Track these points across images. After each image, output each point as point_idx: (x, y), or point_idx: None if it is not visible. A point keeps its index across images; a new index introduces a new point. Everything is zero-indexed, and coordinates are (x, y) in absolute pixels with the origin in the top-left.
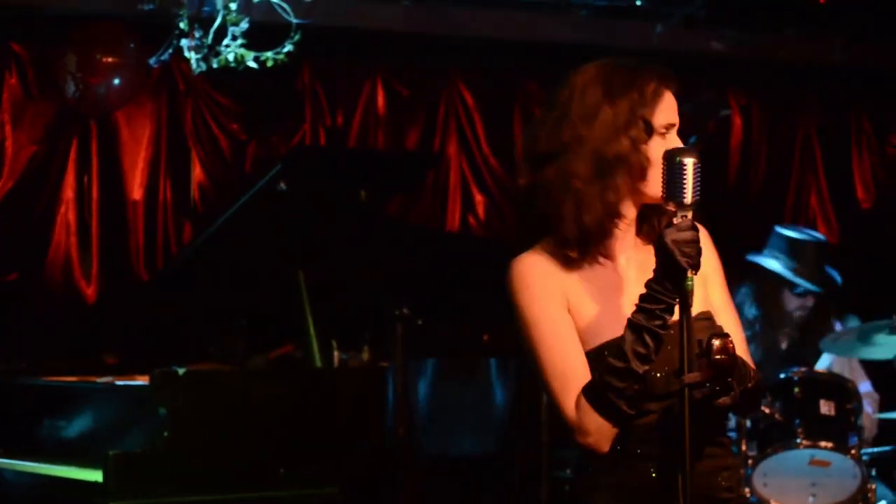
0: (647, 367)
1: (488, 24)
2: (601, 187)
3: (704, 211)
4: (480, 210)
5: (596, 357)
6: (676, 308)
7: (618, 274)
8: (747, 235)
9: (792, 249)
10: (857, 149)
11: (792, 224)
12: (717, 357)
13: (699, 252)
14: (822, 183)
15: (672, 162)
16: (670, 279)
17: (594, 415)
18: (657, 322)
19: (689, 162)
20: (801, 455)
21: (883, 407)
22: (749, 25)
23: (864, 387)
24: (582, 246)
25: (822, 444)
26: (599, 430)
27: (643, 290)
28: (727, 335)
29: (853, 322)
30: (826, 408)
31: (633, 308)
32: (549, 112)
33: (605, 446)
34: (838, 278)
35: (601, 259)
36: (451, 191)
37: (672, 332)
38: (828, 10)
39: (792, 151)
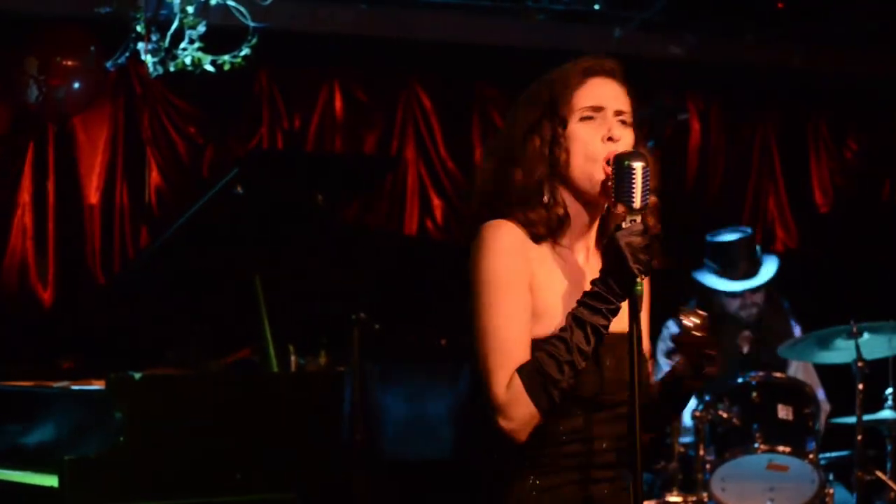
0: (584, 364)
1: (446, 27)
2: (518, 171)
3: (662, 215)
4: (438, 214)
5: (540, 345)
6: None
7: (578, 269)
8: (705, 240)
9: (716, 254)
10: (815, 153)
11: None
12: (695, 334)
13: (652, 258)
14: (780, 187)
15: (620, 166)
16: (618, 281)
17: (524, 400)
18: (600, 320)
19: (638, 166)
20: (758, 459)
21: (839, 412)
22: (708, 30)
23: (818, 395)
24: (545, 229)
25: (780, 448)
26: (523, 418)
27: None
28: (699, 312)
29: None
30: (784, 412)
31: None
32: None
33: (524, 436)
34: (773, 265)
35: (564, 251)
36: (409, 195)
37: (608, 341)
38: (786, 16)
39: (750, 156)
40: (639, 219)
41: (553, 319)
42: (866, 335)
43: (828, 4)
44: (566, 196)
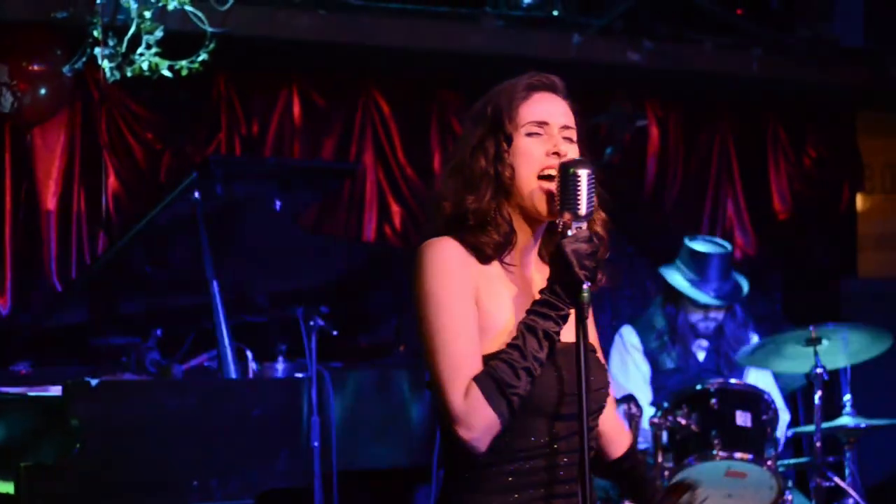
0: (540, 371)
1: (404, 33)
2: (471, 197)
3: (618, 221)
4: (397, 220)
5: (492, 359)
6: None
7: (525, 282)
8: (663, 246)
9: (693, 261)
10: (774, 160)
11: (706, 235)
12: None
13: (598, 264)
14: (738, 193)
15: (566, 174)
16: (565, 288)
17: (483, 408)
18: (552, 326)
19: (583, 173)
20: (717, 466)
21: (798, 420)
22: (666, 36)
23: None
24: (493, 251)
25: (739, 455)
26: (483, 426)
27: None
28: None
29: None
30: (742, 419)
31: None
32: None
33: (484, 445)
34: (745, 287)
35: (511, 266)
36: (368, 201)
37: (559, 356)
38: (745, 22)
39: (709, 162)
40: (584, 225)
41: (502, 335)
42: (825, 342)
43: (785, 11)
44: (511, 212)
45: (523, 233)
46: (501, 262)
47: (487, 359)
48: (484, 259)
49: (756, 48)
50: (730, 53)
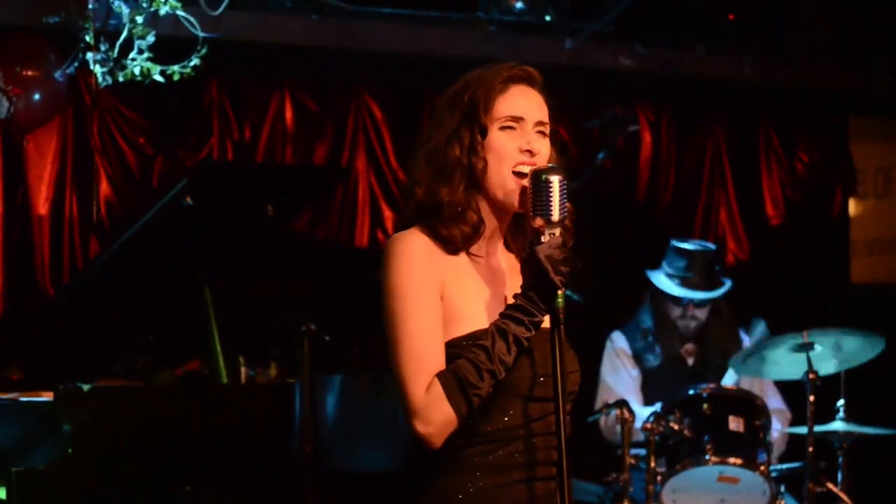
0: (504, 375)
1: (396, 38)
2: (444, 189)
3: (612, 227)
4: (389, 225)
5: (457, 344)
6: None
7: (491, 271)
8: (656, 252)
9: (675, 258)
10: (767, 165)
11: (699, 240)
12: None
13: (571, 269)
14: (731, 199)
15: (538, 180)
16: (539, 294)
17: (443, 404)
18: (523, 332)
19: (555, 180)
20: (709, 471)
21: (793, 423)
22: (659, 41)
23: (775, 403)
24: (461, 241)
25: (731, 460)
26: (440, 422)
27: (512, 297)
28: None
29: (760, 326)
30: (735, 424)
31: (502, 308)
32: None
33: (439, 442)
34: (726, 287)
35: (477, 256)
36: (360, 206)
37: (536, 337)
38: (737, 26)
39: (701, 167)
40: (557, 231)
41: (469, 321)
42: (818, 347)
43: (778, 16)
44: (481, 202)
45: (491, 223)
46: (468, 252)
47: (451, 345)
48: (452, 250)
49: (748, 53)
50: (722, 58)
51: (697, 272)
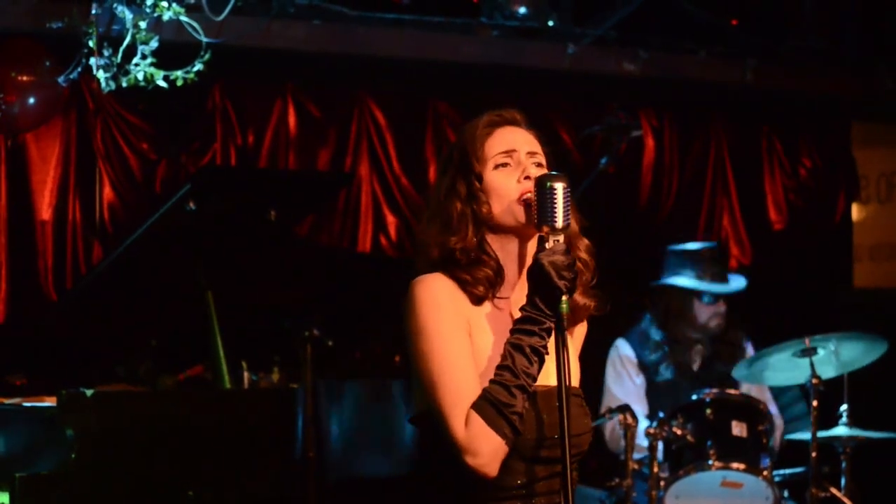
0: (533, 386)
1: (399, 43)
2: (454, 238)
3: (615, 232)
4: (392, 231)
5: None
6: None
7: (512, 318)
8: (659, 257)
9: (690, 260)
10: (770, 170)
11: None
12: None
13: (575, 276)
14: (734, 204)
15: (542, 187)
16: (544, 300)
17: (486, 432)
18: (537, 340)
19: (559, 187)
20: (713, 477)
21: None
22: (661, 46)
23: (771, 409)
24: (485, 287)
25: (734, 465)
26: (489, 450)
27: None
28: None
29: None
30: (738, 429)
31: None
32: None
33: (494, 469)
34: (742, 279)
35: (501, 301)
36: (363, 211)
37: (539, 399)
38: (739, 32)
39: (704, 172)
40: (561, 238)
41: (488, 373)
42: (821, 352)
43: (780, 21)
44: (496, 246)
45: (511, 267)
46: (493, 298)
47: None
48: (476, 298)
49: (750, 58)
50: (724, 63)
51: (717, 266)
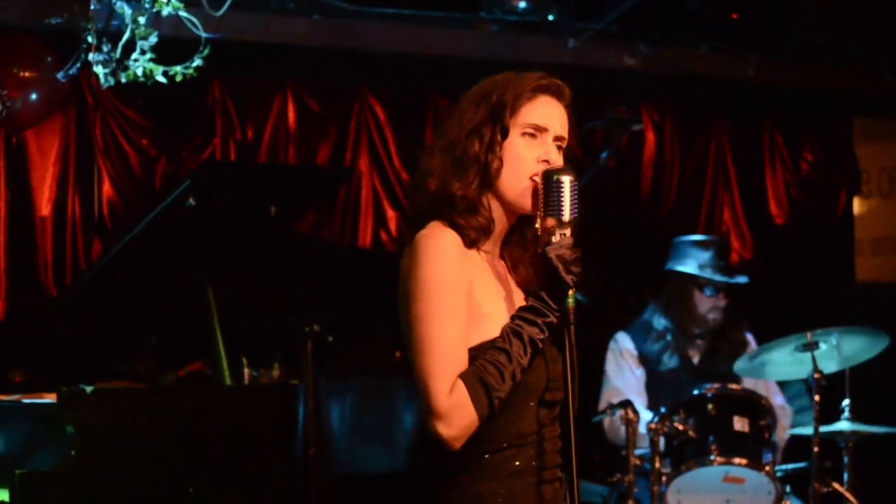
0: (520, 377)
1: (399, 38)
2: (457, 183)
3: (615, 227)
4: (392, 226)
5: (480, 351)
6: None
7: (496, 272)
8: (660, 252)
9: (697, 249)
10: (771, 164)
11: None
12: None
13: (583, 269)
14: (735, 199)
15: (549, 180)
16: (551, 293)
17: (467, 407)
18: (537, 333)
19: (567, 180)
20: (715, 472)
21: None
22: (662, 40)
23: (778, 401)
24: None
25: (737, 460)
26: (463, 425)
27: (522, 300)
28: None
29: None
30: (740, 424)
31: (513, 309)
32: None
33: (460, 444)
34: (744, 277)
35: (486, 254)
36: (363, 206)
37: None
38: (741, 26)
39: (705, 167)
40: (568, 231)
41: (493, 321)
42: (823, 347)
43: (781, 15)
44: (491, 201)
45: (500, 224)
46: (480, 248)
47: (477, 348)
48: (468, 244)
49: (752, 53)
50: (725, 58)
51: (724, 259)
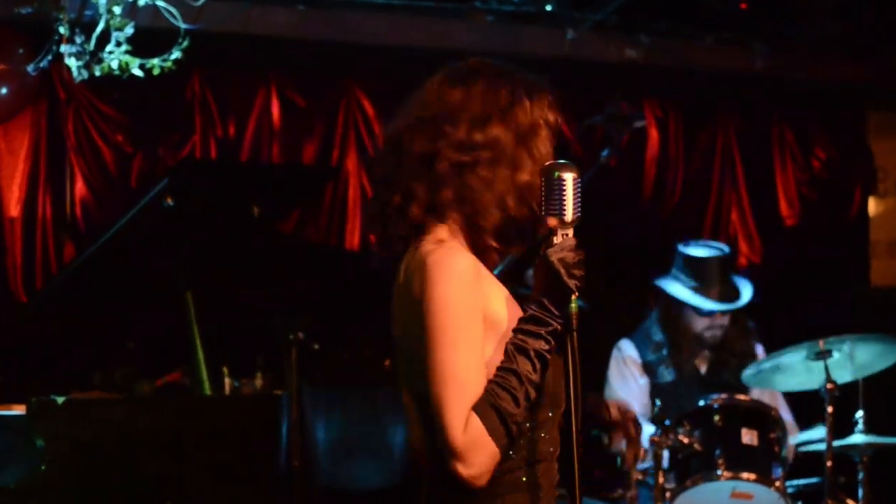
0: (535, 395)
1: (389, 29)
2: (517, 211)
3: (617, 228)
4: None
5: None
6: None
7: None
8: (664, 255)
9: (692, 268)
10: (781, 163)
11: (704, 240)
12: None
13: (586, 273)
14: (743, 198)
15: (550, 177)
16: (553, 300)
17: (486, 442)
18: (542, 345)
19: (569, 177)
20: (722, 487)
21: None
22: (665, 32)
23: (785, 416)
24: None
25: (745, 475)
26: (484, 461)
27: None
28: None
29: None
30: (748, 437)
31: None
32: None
33: (483, 483)
34: (749, 290)
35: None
36: (351, 206)
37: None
38: (748, 16)
39: (711, 165)
40: (570, 232)
41: (498, 336)
42: (836, 355)
43: (791, 5)
44: None
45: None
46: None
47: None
48: (480, 257)
49: (760, 44)
50: (732, 50)
51: (719, 279)
